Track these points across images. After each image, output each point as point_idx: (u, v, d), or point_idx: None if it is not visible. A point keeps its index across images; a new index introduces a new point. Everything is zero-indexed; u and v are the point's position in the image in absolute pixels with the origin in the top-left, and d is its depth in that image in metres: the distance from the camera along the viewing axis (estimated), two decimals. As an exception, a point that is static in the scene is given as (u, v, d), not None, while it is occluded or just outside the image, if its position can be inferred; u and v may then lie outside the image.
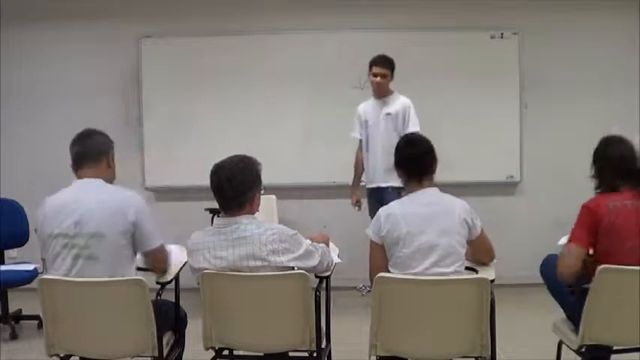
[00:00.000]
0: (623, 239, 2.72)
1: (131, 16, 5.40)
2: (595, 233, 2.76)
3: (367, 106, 4.72)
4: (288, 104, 5.34)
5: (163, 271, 2.88)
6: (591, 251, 2.80)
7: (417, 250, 2.70)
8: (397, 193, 4.37)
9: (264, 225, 2.62)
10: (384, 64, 4.57)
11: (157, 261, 2.84)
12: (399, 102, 4.59)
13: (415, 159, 2.87)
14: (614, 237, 2.72)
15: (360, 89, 5.29)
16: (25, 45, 5.45)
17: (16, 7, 5.35)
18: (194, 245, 2.69)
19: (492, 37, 5.30)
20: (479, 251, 2.89)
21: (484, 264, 2.91)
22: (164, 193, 5.32)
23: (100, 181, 2.75)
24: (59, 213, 2.66)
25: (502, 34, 5.29)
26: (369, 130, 4.65)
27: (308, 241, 2.73)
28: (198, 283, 2.66)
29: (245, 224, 2.61)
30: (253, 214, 2.68)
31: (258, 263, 2.58)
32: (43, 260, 2.78)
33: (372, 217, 4.51)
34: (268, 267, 2.59)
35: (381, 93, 4.64)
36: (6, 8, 5.31)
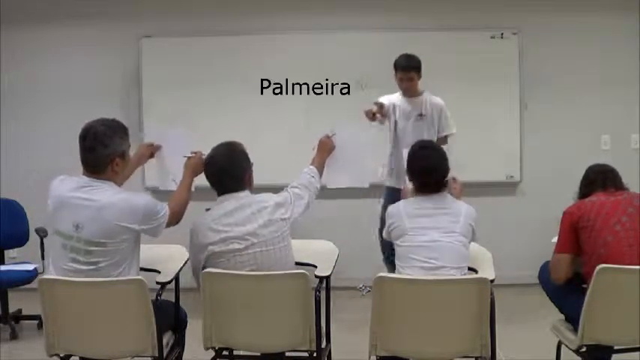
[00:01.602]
0: (605, 219, 2.83)
1: (131, 16, 5.39)
2: (577, 233, 2.88)
3: (396, 102, 4.49)
4: (288, 104, 5.33)
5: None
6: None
7: (419, 246, 2.72)
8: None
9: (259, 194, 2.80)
10: (411, 67, 4.40)
11: (171, 224, 2.79)
12: (432, 103, 4.44)
13: (431, 180, 2.87)
14: (593, 220, 2.84)
15: (361, 89, 5.29)
16: (25, 45, 5.44)
17: (16, 7, 5.35)
18: (200, 223, 2.76)
19: (492, 37, 5.29)
20: None
21: None
22: (164, 193, 5.30)
23: (105, 185, 2.64)
24: (61, 209, 2.62)
25: (502, 34, 5.29)
26: (398, 129, 4.46)
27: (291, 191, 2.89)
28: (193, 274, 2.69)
29: (243, 196, 2.76)
30: (251, 190, 2.83)
31: (266, 217, 2.71)
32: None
33: (382, 216, 4.50)
34: (275, 222, 2.72)
35: (411, 93, 4.48)
36: (6, 8, 5.31)
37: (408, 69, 4.38)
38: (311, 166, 3.08)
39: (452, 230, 2.74)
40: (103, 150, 2.64)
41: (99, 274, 2.59)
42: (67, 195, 2.62)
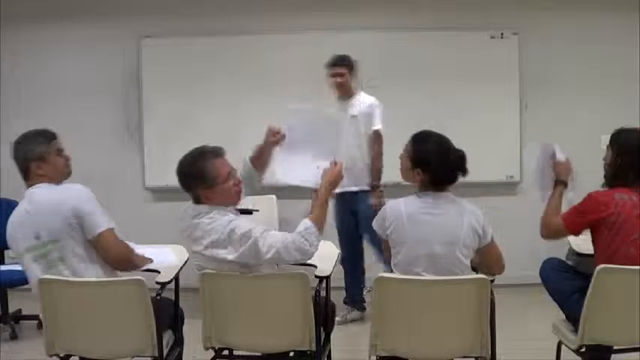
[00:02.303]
0: (626, 231, 2.73)
1: (131, 16, 5.40)
2: (590, 223, 2.81)
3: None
4: (288, 104, 5.32)
5: (114, 265, 2.74)
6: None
7: (419, 258, 2.67)
8: (367, 195, 4.37)
9: (219, 219, 2.61)
10: (340, 63, 4.43)
11: (104, 250, 2.68)
12: (365, 103, 4.44)
13: (450, 169, 2.76)
14: (617, 228, 2.74)
15: (361, 89, 5.29)
16: (25, 45, 5.44)
17: (16, 7, 5.34)
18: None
19: (492, 37, 5.29)
20: (487, 259, 2.81)
21: (492, 274, 2.79)
22: (164, 193, 5.32)
23: (42, 186, 2.73)
24: (18, 230, 2.69)
25: (502, 34, 5.29)
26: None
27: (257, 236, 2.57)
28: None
29: (204, 213, 2.65)
30: (221, 205, 2.67)
31: (199, 248, 2.62)
32: None
33: (337, 223, 4.47)
34: (205, 257, 2.62)
35: (344, 93, 4.48)
36: (6, 8, 5.30)
37: (340, 64, 4.41)
38: (308, 224, 2.64)
39: (454, 240, 2.67)
40: (17, 156, 2.78)
41: (69, 270, 2.64)
42: (19, 217, 2.71)
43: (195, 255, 2.69)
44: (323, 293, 2.91)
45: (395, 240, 2.73)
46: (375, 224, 2.82)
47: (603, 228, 2.77)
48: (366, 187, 4.35)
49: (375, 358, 2.69)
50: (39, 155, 2.75)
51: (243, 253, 2.54)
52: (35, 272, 2.65)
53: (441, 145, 2.78)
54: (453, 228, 2.68)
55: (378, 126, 4.37)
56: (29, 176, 2.76)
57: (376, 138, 4.37)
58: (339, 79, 4.41)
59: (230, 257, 2.55)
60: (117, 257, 2.71)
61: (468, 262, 2.72)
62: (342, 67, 4.42)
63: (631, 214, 2.75)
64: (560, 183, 3.03)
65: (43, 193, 2.71)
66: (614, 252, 2.74)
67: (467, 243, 2.68)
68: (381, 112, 4.40)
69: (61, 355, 2.73)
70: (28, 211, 2.69)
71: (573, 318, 2.82)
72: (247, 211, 2.84)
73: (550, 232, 2.97)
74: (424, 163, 2.72)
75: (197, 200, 2.71)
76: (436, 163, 2.72)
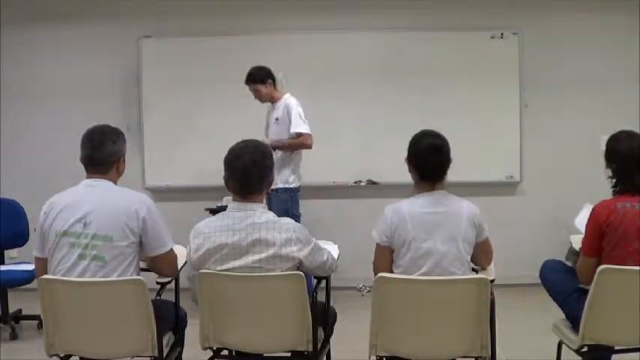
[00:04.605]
0: (628, 240, 2.70)
1: (131, 16, 5.40)
2: (602, 237, 2.75)
3: (268, 110, 4.82)
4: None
5: (171, 275, 2.85)
6: None
7: (422, 256, 2.68)
8: (285, 192, 4.59)
9: (278, 216, 2.65)
10: (248, 81, 4.66)
11: (164, 265, 2.81)
12: (283, 106, 4.64)
13: (434, 161, 2.78)
14: (619, 237, 2.70)
15: (361, 89, 5.29)
16: (25, 45, 5.44)
17: (16, 8, 5.35)
18: (201, 232, 2.65)
19: (492, 37, 5.29)
20: (478, 254, 2.85)
21: (480, 265, 2.88)
22: (164, 193, 5.31)
23: (108, 183, 2.73)
24: (66, 211, 2.65)
25: (502, 34, 5.29)
26: (268, 133, 4.73)
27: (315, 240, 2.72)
28: (189, 278, 2.64)
29: (260, 212, 2.62)
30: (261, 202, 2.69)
31: (271, 251, 2.56)
32: (36, 259, 2.76)
33: None
34: (277, 257, 2.57)
35: (272, 102, 4.74)
36: (6, 8, 5.31)
37: (248, 82, 4.67)
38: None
39: (455, 235, 2.69)
40: (112, 147, 2.74)
41: (104, 270, 2.61)
42: (70, 199, 2.67)
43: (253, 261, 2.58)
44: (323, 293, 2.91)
45: (399, 241, 2.74)
46: (374, 233, 2.82)
47: (605, 236, 2.73)
48: (283, 185, 4.64)
49: (374, 358, 2.70)
50: (124, 153, 2.81)
51: (312, 250, 2.64)
52: (68, 256, 2.61)
53: (419, 140, 2.85)
54: (454, 224, 2.72)
55: (299, 129, 4.58)
56: (107, 168, 2.73)
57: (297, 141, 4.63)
58: (254, 95, 4.70)
59: (301, 255, 2.60)
60: (168, 273, 2.84)
61: (468, 258, 2.75)
62: (250, 84, 4.66)
63: (632, 223, 2.70)
64: None
65: (111, 191, 2.71)
66: (614, 257, 2.70)
67: (467, 237, 2.72)
68: (297, 114, 4.59)
69: (61, 356, 2.73)
70: (83, 198, 2.65)
71: (573, 317, 2.83)
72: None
73: (580, 272, 2.86)
74: (409, 159, 2.82)
75: (259, 193, 2.65)
76: (415, 157, 2.81)
